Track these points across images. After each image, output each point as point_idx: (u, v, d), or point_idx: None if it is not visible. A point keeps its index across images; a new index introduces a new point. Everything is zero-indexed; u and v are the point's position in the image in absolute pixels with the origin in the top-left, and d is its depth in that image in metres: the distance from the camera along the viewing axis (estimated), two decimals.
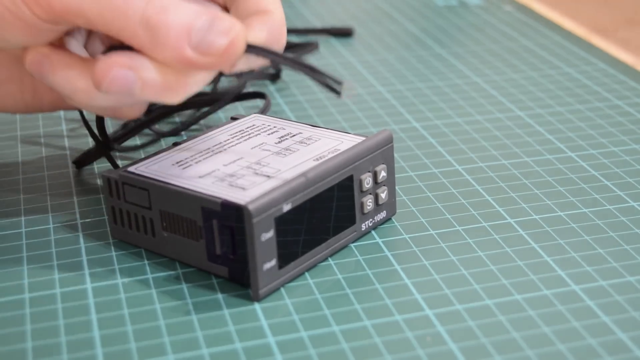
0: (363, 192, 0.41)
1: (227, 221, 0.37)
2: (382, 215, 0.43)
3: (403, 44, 0.66)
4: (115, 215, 0.42)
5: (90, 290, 0.39)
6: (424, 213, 0.44)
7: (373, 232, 0.42)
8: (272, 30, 0.40)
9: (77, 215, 0.44)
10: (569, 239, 0.42)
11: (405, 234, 0.42)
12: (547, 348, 0.35)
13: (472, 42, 0.66)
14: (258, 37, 0.39)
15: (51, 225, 0.44)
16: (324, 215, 0.39)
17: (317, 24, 0.71)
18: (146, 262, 0.41)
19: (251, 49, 0.37)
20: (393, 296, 0.38)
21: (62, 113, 0.56)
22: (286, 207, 0.38)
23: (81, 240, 0.42)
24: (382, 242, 0.42)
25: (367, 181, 0.41)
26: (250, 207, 0.36)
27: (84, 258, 0.41)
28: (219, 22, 0.36)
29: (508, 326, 0.36)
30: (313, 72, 0.37)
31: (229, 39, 0.36)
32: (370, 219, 0.42)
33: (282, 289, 0.38)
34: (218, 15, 0.36)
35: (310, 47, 0.63)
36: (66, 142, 0.52)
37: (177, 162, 0.41)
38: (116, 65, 0.37)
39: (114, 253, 0.41)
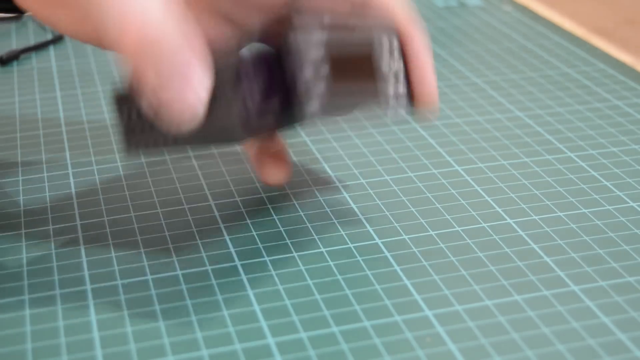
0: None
1: None
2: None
3: None
4: (131, 122, 0.39)
5: (89, 292, 0.39)
6: (423, 214, 0.44)
7: (372, 232, 0.42)
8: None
9: (77, 217, 0.44)
10: (568, 239, 0.42)
11: (405, 235, 0.42)
12: (547, 349, 0.35)
13: (471, 42, 0.66)
14: None
15: (50, 227, 0.44)
16: None
17: None
18: (146, 263, 0.41)
19: None
20: (392, 297, 0.38)
21: (61, 114, 0.56)
22: None
23: (81, 241, 0.42)
24: (382, 242, 0.42)
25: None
26: None
27: (84, 259, 0.41)
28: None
29: (508, 327, 0.36)
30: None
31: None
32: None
33: (282, 290, 0.38)
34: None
35: None
36: (66, 144, 0.52)
37: None
38: None
39: (113, 254, 0.41)
